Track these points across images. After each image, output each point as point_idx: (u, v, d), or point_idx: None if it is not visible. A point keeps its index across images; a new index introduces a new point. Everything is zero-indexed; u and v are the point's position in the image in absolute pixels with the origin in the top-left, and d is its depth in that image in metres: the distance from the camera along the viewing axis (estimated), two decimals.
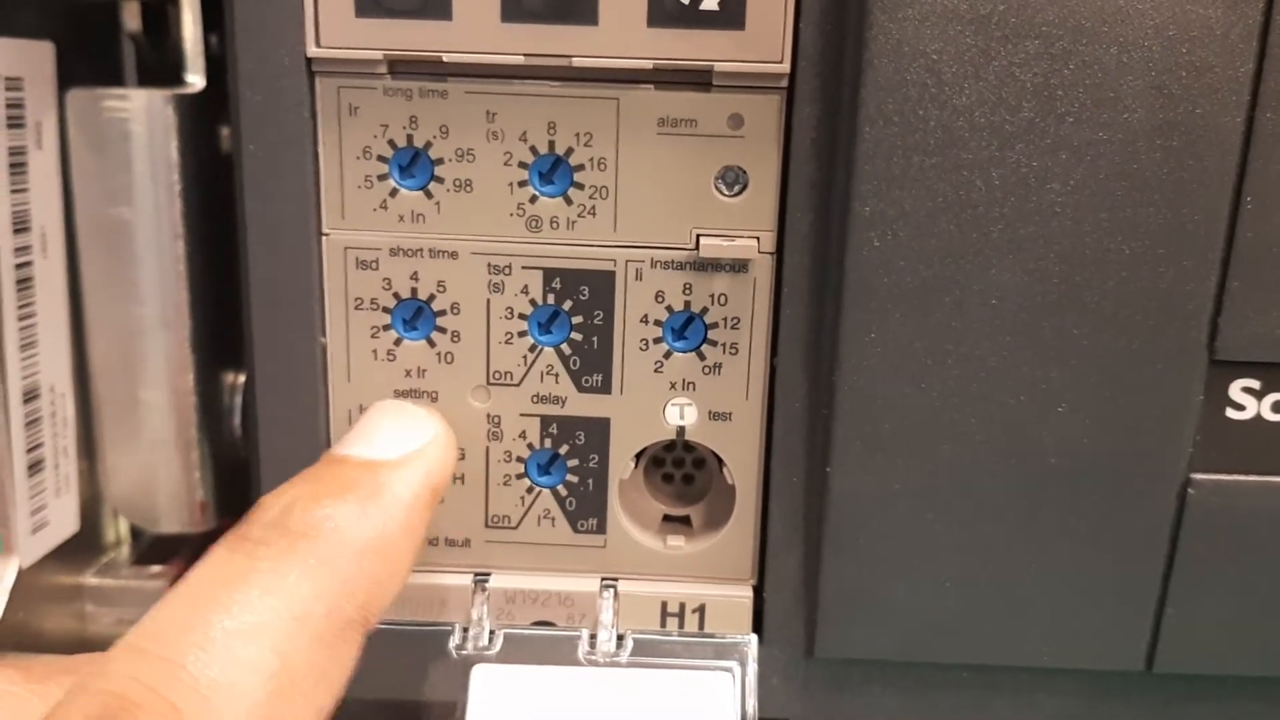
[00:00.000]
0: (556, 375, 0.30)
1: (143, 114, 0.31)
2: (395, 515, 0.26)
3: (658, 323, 0.29)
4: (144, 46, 0.34)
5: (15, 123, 0.30)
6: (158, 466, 0.33)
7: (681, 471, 0.32)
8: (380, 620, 0.26)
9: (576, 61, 0.27)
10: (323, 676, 0.24)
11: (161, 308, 0.32)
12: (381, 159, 0.29)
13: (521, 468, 0.31)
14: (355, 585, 0.25)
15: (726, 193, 0.28)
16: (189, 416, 0.33)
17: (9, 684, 0.26)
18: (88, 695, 0.22)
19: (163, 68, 0.34)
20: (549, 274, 0.29)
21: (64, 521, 0.33)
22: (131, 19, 0.34)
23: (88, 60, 0.32)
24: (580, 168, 0.28)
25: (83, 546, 0.34)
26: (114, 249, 0.32)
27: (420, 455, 0.27)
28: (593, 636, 0.30)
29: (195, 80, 0.33)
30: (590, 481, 0.31)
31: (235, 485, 0.33)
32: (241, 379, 0.34)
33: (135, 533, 0.37)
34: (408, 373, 0.30)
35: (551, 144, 0.28)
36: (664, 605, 0.31)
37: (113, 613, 0.35)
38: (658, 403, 0.30)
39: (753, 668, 0.30)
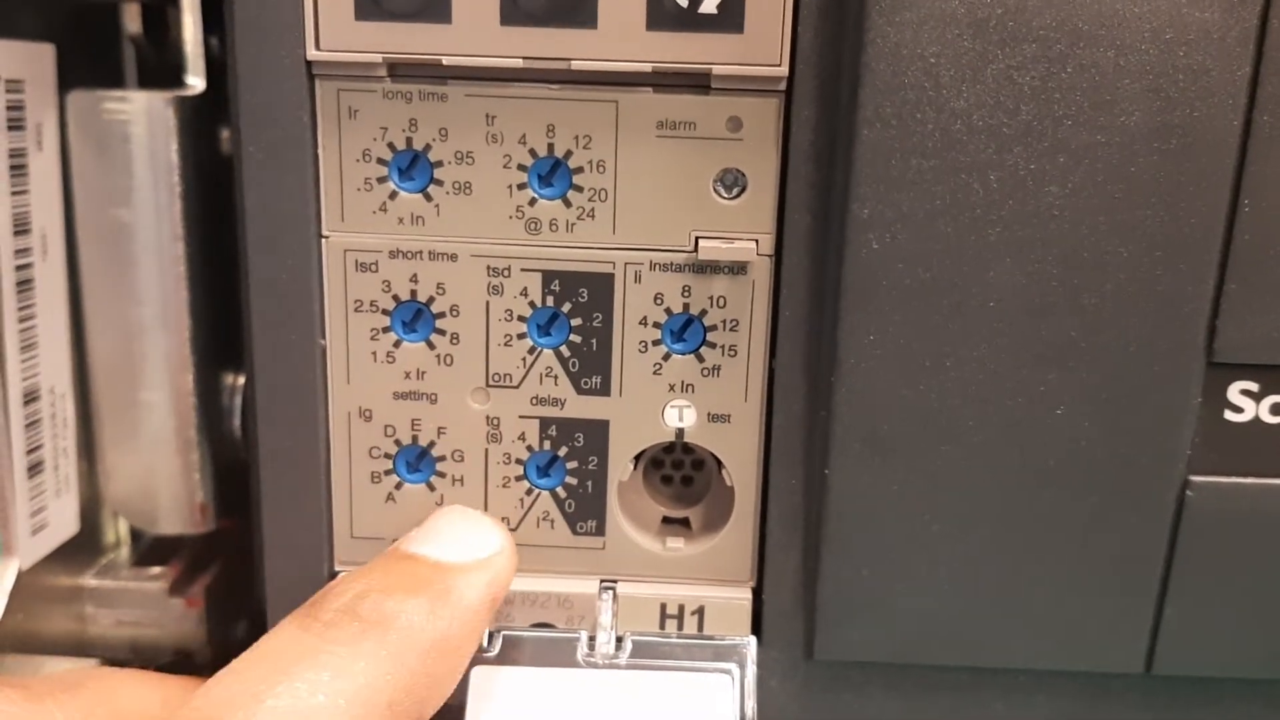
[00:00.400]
0: (555, 377, 0.30)
1: (143, 116, 0.31)
2: (461, 618, 0.26)
3: (657, 325, 0.29)
4: (144, 48, 0.34)
5: (16, 124, 0.30)
6: (157, 468, 0.33)
7: (681, 473, 0.32)
8: None
9: (575, 64, 0.27)
10: None
11: (162, 309, 0.32)
12: (381, 161, 0.29)
13: (520, 470, 0.31)
14: (418, 681, 0.25)
15: (725, 195, 0.29)
16: (189, 418, 0.33)
17: (9, 704, 0.26)
18: None
19: (163, 70, 0.34)
20: (548, 276, 0.29)
21: (64, 523, 0.33)
22: (132, 21, 0.34)
23: (88, 62, 0.32)
24: (579, 170, 0.28)
25: (82, 548, 0.34)
26: (114, 250, 0.32)
27: (488, 564, 0.28)
28: (592, 638, 0.30)
29: (196, 82, 0.33)
30: (589, 483, 0.31)
31: (235, 486, 0.33)
32: (241, 380, 0.34)
33: (135, 534, 0.37)
34: (407, 374, 0.30)
35: (551, 146, 0.28)
36: (663, 607, 0.31)
37: (112, 614, 0.35)
38: (657, 405, 0.30)
39: (752, 670, 0.30)
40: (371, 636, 0.25)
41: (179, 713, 0.23)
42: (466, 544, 0.28)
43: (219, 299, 0.32)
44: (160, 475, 0.33)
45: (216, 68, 0.32)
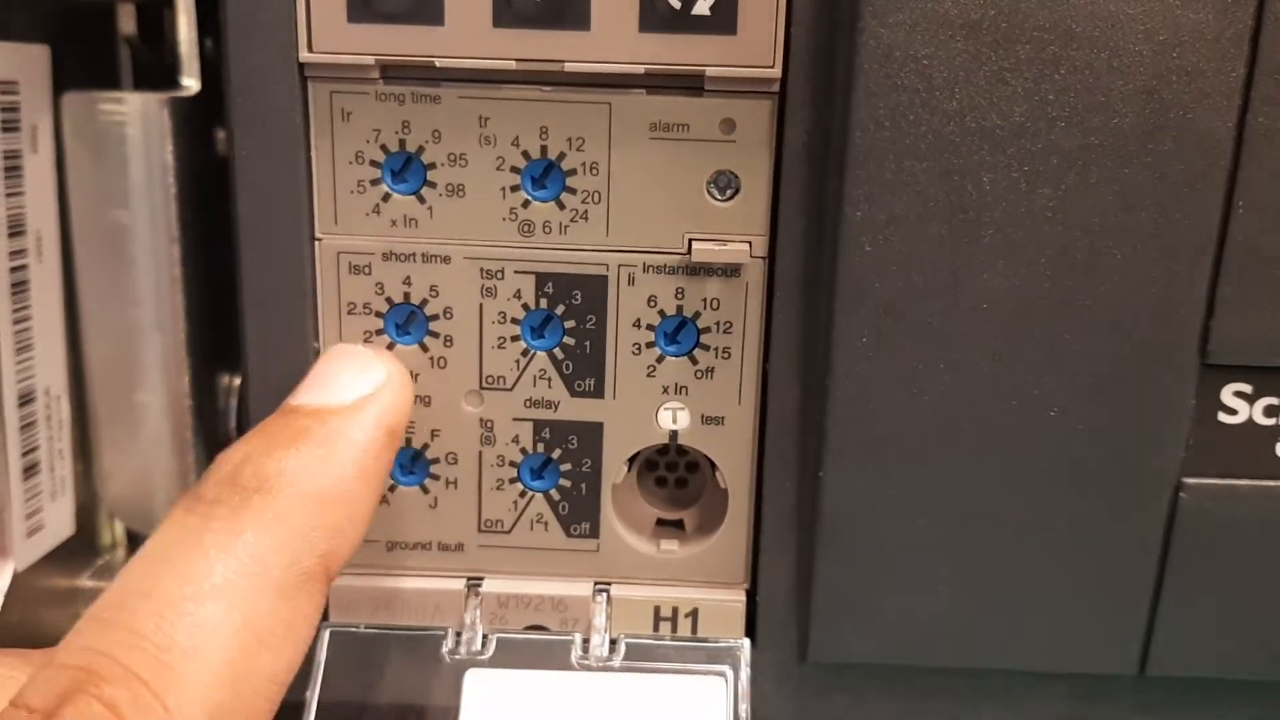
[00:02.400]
0: (549, 379, 0.30)
1: (138, 117, 0.31)
2: (350, 461, 0.25)
3: (650, 327, 0.29)
4: (139, 49, 0.34)
5: (10, 126, 0.30)
6: (153, 469, 0.33)
7: (675, 475, 0.32)
8: (340, 571, 0.25)
9: (569, 66, 0.27)
10: (288, 630, 0.24)
11: (157, 310, 0.32)
12: (374, 164, 0.29)
13: (514, 472, 0.31)
14: (314, 536, 0.24)
15: (719, 197, 0.28)
16: (184, 419, 0.33)
17: (8, 669, 0.26)
18: (53, 670, 0.22)
19: (158, 70, 0.34)
20: (541, 278, 0.29)
21: (60, 525, 0.33)
22: (127, 22, 0.34)
23: (83, 63, 0.32)
24: (572, 172, 0.28)
25: (78, 549, 0.34)
26: (110, 252, 0.32)
27: (373, 399, 0.27)
28: (585, 641, 0.30)
29: (190, 83, 0.33)
30: (583, 486, 0.31)
31: None
32: (237, 381, 0.34)
33: (131, 535, 0.37)
34: None
35: (544, 148, 0.28)
36: (657, 610, 0.31)
37: None
38: (650, 407, 0.30)
39: (745, 672, 0.30)
40: (253, 502, 0.24)
41: (79, 622, 0.23)
42: (349, 384, 0.27)
43: (214, 300, 0.32)
44: (156, 476, 0.33)
45: (211, 69, 0.32)
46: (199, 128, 0.32)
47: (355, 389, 0.27)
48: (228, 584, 0.23)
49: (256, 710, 0.23)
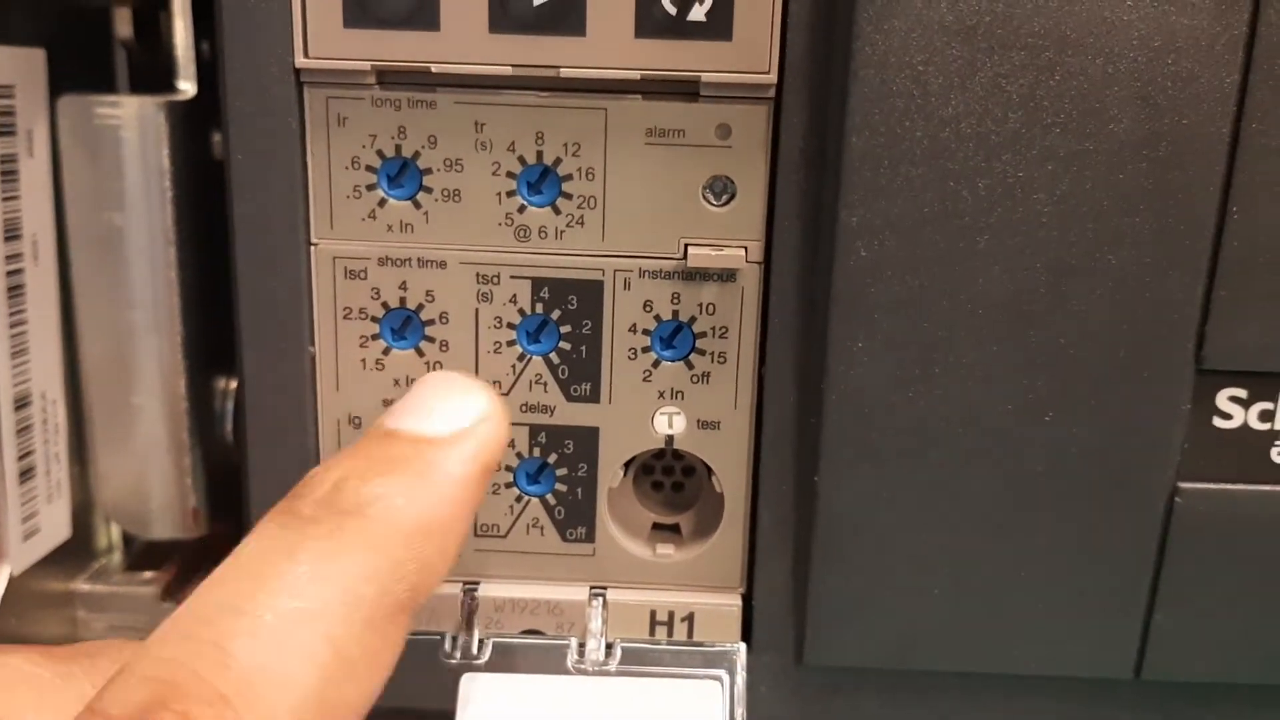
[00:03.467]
0: (545, 384, 0.30)
1: (134, 120, 0.31)
2: (446, 495, 0.25)
3: (646, 332, 0.29)
4: (136, 53, 0.34)
5: (6, 130, 0.30)
6: (150, 472, 0.33)
7: (671, 479, 0.32)
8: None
9: (564, 72, 0.27)
10: (374, 661, 0.23)
11: (153, 313, 0.32)
12: (370, 169, 0.29)
13: (510, 476, 0.31)
14: (405, 568, 0.24)
15: (714, 202, 0.28)
16: (181, 422, 0.33)
17: (34, 665, 0.26)
18: (135, 680, 0.21)
19: (155, 74, 0.34)
20: (537, 283, 0.29)
21: (56, 528, 0.33)
22: (123, 25, 0.34)
23: (79, 66, 0.32)
24: (568, 177, 0.28)
25: (74, 552, 0.34)
26: (106, 255, 0.32)
27: (472, 433, 0.26)
28: (581, 645, 0.30)
29: (187, 87, 0.33)
30: (579, 490, 0.31)
31: (227, 491, 0.33)
32: (234, 384, 0.34)
33: (127, 539, 0.37)
34: (396, 382, 0.30)
35: (540, 154, 0.28)
36: (653, 614, 0.31)
37: (104, 619, 0.35)
38: (646, 411, 0.30)
39: (742, 676, 0.30)
40: (350, 528, 0.24)
41: (161, 628, 0.22)
42: (448, 413, 0.26)
43: (211, 303, 0.32)
44: (152, 480, 0.33)
45: (207, 72, 0.32)
46: (195, 131, 0.32)
47: (454, 420, 0.26)
48: (321, 610, 0.22)
49: None
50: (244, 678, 0.21)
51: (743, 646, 0.30)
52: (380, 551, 0.24)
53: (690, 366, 0.30)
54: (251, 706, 0.21)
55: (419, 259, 0.29)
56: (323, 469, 0.25)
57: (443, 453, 0.25)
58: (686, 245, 0.29)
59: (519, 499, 0.31)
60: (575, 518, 0.31)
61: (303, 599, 0.22)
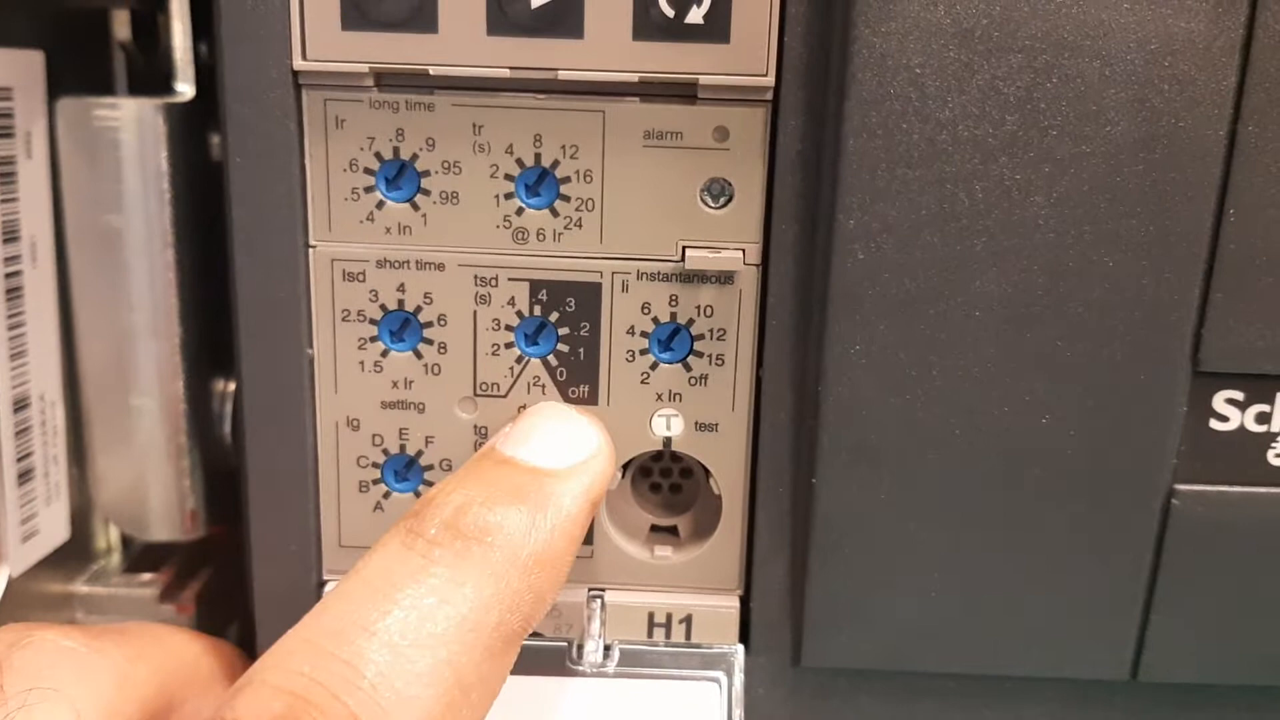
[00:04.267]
0: (543, 386, 0.30)
1: (133, 122, 0.31)
2: (561, 528, 0.26)
3: (644, 334, 0.29)
4: (134, 55, 0.34)
5: (4, 132, 0.30)
6: (148, 474, 0.33)
7: (669, 481, 0.33)
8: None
9: (562, 74, 0.27)
10: (487, 688, 0.24)
11: (152, 315, 0.32)
12: (368, 171, 0.29)
13: None
14: (522, 598, 0.25)
15: (712, 205, 0.29)
16: (179, 424, 0.33)
17: (70, 640, 0.26)
18: (268, 690, 0.22)
19: (153, 76, 0.34)
20: (535, 286, 0.29)
21: (54, 530, 0.33)
22: (121, 28, 0.34)
23: (77, 69, 0.32)
24: (566, 180, 0.28)
25: (73, 554, 0.34)
26: (104, 257, 0.32)
27: (585, 467, 0.27)
28: (580, 647, 0.30)
29: (185, 89, 0.33)
30: None
31: (226, 492, 0.34)
32: (232, 386, 0.34)
33: (126, 540, 0.37)
34: (394, 384, 0.30)
35: (538, 156, 0.28)
36: (651, 615, 0.31)
37: (103, 620, 0.35)
38: (644, 414, 0.30)
39: (739, 677, 0.30)
40: (474, 555, 0.24)
41: (286, 639, 0.23)
42: (563, 446, 0.27)
43: (209, 305, 0.32)
44: (151, 482, 0.33)
45: (206, 74, 0.32)
46: (194, 133, 0.32)
47: (570, 455, 0.27)
48: (445, 635, 0.23)
49: None
50: (374, 699, 0.22)
51: (740, 648, 0.30)
52: (501, 581, 0.24)
53: (688, 369, 0.30)
54: None
55: (417, 261, 0.29)
56: (444, 490, 0.26)
57: (561, 486, 0.26)
58: (684, 247, 0.29)
59: None
60: None
61: (430, 624, 0.23)
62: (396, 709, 0.22)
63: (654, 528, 0.32)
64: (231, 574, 0.34)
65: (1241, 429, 0.29)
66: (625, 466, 0.31)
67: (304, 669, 0.22)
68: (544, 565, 0.25)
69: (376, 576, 0.24)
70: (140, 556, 0.36)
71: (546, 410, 0.29)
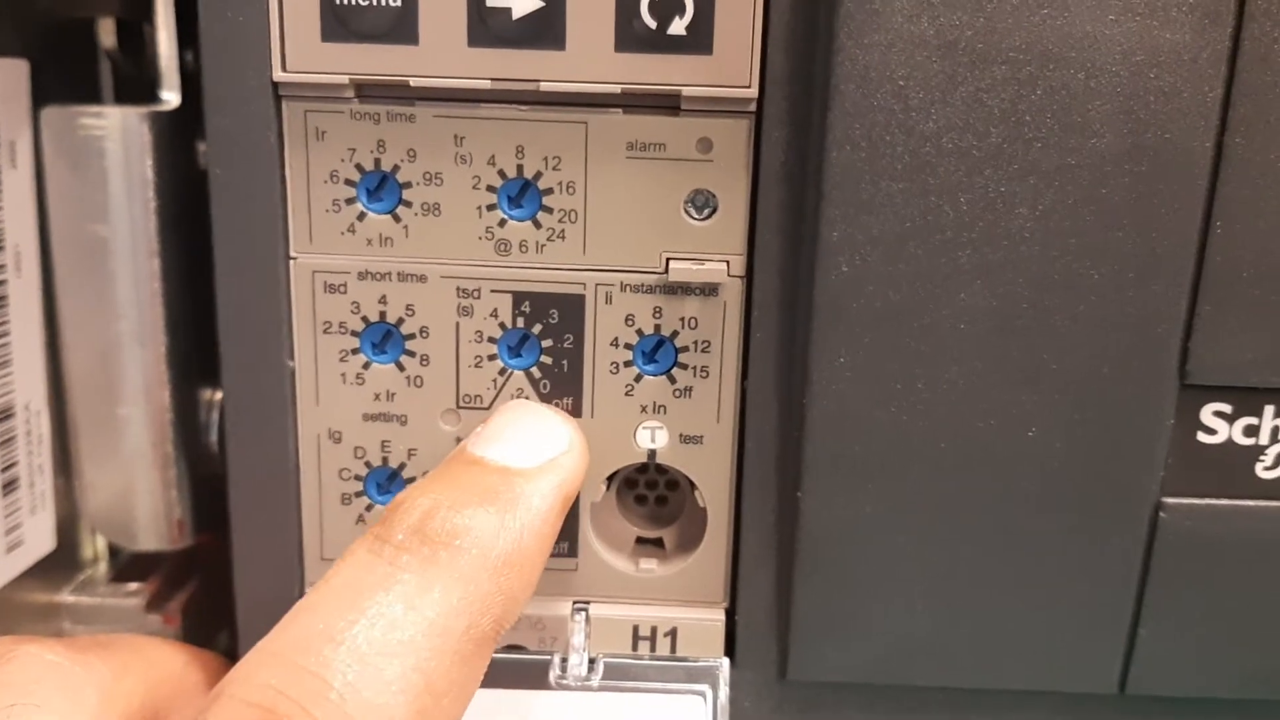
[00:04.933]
0: (527, 399, 0.30)
1: (118, 131, 0.31)
2: (531, 528, 0.26)
3: (628, 346, 0.29)
4: (120, 64, 0.34)
5: None
6: (135, 483, 0.33)
7: (654, 494, 0.32)
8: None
9: (544, 86, 0.27)
10: (459, 693, 0.24)
11: (138, 324, 0.32)
12: (349, 182, 0.28)
13: None
14: (492, 600, 0.24)
15: (696, 216, 0.28)
16: (166, 433, 0.33)
17: (54, 655, 0.26)
18: (236, 705, 0.22)
19: (139, 85, 0.33)
20: (518, 297, 0.29)
21: (40, 539, 0.33)
22: (107, 36, 0.33)
23: (63, 77, 0.32)
24: (549, 191, 0.28)
25: (60, 564, 0.34)
26: (90, 266, 0.32)
27: (556, 464, 0.27)
28: (564, 660, 0.30)
29: (171, 97, 0.32)
30: None
31: (213, 501, 0.33)
32: (219, 395, 0.34)
33: (113, 550, 0.37)
34: (376, 396, 0.30)
35: (520, 167, 0.28)
36: (635, 629, 0.31)
37: (89, 630, 0.35)
38: (629, 426, 0.30)
39: (725, 691, 0.30)
40: (441, 559, 0.24)
41: (254, 653, 0.23)
42: (533, 444, 0.27)
43: (196, 314, 0.32)
44: (137, 491, 0.33)
45: (192, 83, 0.31)
46: (179, 141, 0.32)
47: (540, 452, 0.27)
48: (414, 642, 0.23)
49: None
50: (343, 710, 0.22)
51: (726, 661, 0.30)
52: (470, 584, 0.24)
53: (672, 381, 0.29)
54: None
55: (399, 273, 0.29)
56: (412, 494, 0.26)
57: (530, 485, 0.26)
58: (668, 259, 0.29)
59: None
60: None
61: (398, 630, 0.23)
62: (365, 718, 0.22)
63: (639, 540, 0.32)
64: (219, 583, 0.33)
65: (1229, 442, 0.28)
66: (610, 479, 0.31)
67: (271, 681, 0.22)
68: (514, 566, 0.25)
69: (343, 586, 0.24)
70: (127, 566, 0.36)
71: (517, 408, 0.29)
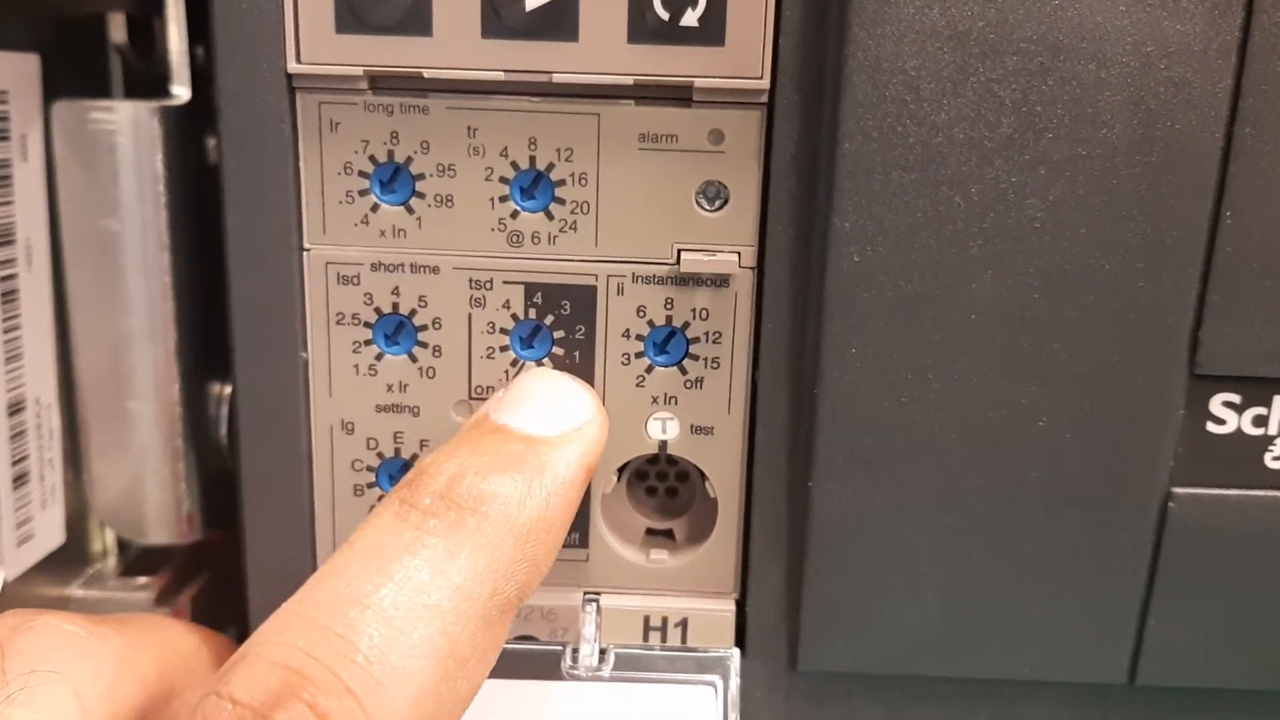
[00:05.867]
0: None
1: (128, 126, 0.31)
2: (555, 495, 0.26)
3: (639, 337, 0.29)
4: (130, 58, 0.34)
5: (0, 135, 0.30)
6: (144, 477, 0.33)
7: (665, 485, 0.32)
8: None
9: (557, 77, 0.27)
10: (482, 658, 0.24)
11: (148, 319, 0.32)
12: (363, 174, 0.29)
13: None
14: (517, 567, 0.25)
15: (707, 208, 0.28)
16: (175, 427, 0.33)
17: (71, 625, 0.26)
18: (263, 665, 0.22)
19: (149, 79, 0.34)
20: (530, 289, 0.29)
21: (50, 533, 0.33)
22: (117, 31, 0.34)
23: (73, 72, 0.32)
24: (561, 183, 0.28)
25: (69, 558, 0.34)
26: (100, 261, 0.32)
27: (580, 434, 0.27)
28: (575, 651, 0.30)
29: (181, 92, 0.33)
30: None
31: (222, 496, 0.33)
32: (228, 389, 0.34)
33: (122, 544, 0.37)
34: (389, 387, 0.30)
35: (533, 159, 0.28)
36: (646, 619, 0.31)
37: None
38: (640, 417, 0.30)
39: (735, 681, 0.30)
40: (468, 525, 0.24)
41: (280, 614, 0.23)
42: (556, 413, 0.27)
43: (205, 308, 0.32)
44: (147, 485, 0.33)
45: (202, 77, 0.32)
46: (190, 136, 0.32)
47: (563, 421, 0.27)
48: (439, 607, 0.23)
49: None
50: (369, 672, 0.22)
51: (736, 652, 0.30)
52: (496, 550, 0.24)
53: (684, 372, 0.30)
54: (375, 699, 0.22)
55: (412, 264, 0.29)
56: (436, 459, 0.26)
57: (556, 453, 0.26)
58: (680, 250, 0.29)
59: None
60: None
61: (424, 594, 0.23)
62: (391, 681, 0.22)
63: (650, 531, 0.32)
64: (228, 578, 0.34)
65: (1239, 432, 0.29)
66: (621, 470, 0.31)
67: (298, 643, 0.22)
68: (539, 534, 0.25)
69: (370, 549, 0.24)
70: (136, 560, 0.36)
71: (539, 375, 0.29)
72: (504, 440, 0.26)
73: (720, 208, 0.28)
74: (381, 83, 0.28)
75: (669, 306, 0.29)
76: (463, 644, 0.23)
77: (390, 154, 0.28)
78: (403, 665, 0.22)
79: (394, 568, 0.23)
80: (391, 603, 0.23)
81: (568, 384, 0.28)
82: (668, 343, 0.29)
